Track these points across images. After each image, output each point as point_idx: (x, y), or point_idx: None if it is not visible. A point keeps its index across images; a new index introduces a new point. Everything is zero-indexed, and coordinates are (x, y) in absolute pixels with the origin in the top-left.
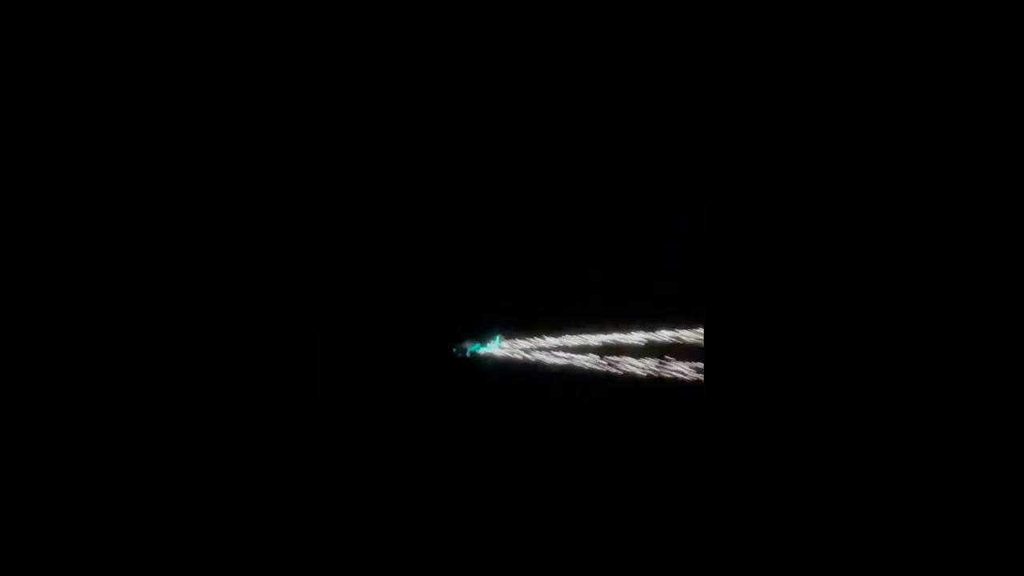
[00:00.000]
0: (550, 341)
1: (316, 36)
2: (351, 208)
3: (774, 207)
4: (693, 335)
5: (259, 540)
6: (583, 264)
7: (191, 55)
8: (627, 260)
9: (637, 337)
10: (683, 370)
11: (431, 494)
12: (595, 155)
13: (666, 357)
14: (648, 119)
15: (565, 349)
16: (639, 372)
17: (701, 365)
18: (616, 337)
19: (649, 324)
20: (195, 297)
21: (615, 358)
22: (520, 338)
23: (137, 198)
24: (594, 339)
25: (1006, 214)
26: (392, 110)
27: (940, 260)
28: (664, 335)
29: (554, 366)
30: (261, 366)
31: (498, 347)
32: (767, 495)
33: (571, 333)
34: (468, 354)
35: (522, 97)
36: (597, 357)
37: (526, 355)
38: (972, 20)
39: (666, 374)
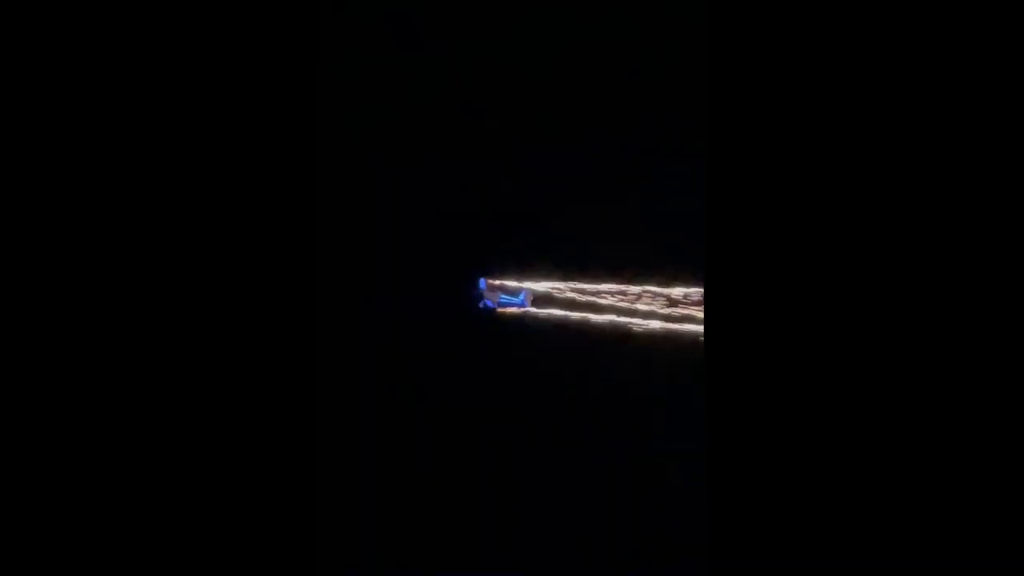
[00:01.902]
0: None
1: (313, 26)
2: (350, 203)
3: (773, 204)
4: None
5: (259, 540)
6: (581, 262)
7: (182, 45)
8: (626, 257)
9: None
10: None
11: (433, 493)
12: (594, 152)
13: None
14: (648, 118)
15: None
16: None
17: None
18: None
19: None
20: (193, 295)
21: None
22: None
23: (132, 195)
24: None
25: (1013, 218)
26: (390, 94)
27: (946, 256)
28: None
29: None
30: (260, 365)
31: (525, 303)
32: (769, 487)
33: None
34: (495, 305)
35: (522, 95)
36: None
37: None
38: (974, 20)
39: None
